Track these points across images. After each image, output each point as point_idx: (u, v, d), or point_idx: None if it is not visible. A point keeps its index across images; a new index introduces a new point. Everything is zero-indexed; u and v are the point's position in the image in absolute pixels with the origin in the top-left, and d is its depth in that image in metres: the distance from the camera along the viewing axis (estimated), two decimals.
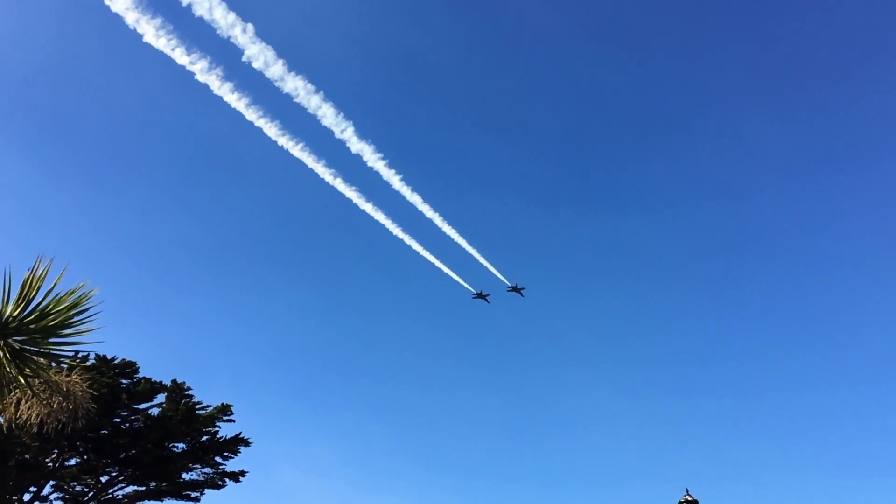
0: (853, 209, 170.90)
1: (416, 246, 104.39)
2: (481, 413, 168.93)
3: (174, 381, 47.33)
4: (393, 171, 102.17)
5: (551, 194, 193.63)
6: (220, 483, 49.14)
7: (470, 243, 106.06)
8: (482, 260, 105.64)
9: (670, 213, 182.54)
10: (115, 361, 45.74)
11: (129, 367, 46.30)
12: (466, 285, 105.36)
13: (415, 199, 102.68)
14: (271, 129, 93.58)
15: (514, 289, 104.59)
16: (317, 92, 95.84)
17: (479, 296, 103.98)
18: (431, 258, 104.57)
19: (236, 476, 49.55)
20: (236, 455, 49.36)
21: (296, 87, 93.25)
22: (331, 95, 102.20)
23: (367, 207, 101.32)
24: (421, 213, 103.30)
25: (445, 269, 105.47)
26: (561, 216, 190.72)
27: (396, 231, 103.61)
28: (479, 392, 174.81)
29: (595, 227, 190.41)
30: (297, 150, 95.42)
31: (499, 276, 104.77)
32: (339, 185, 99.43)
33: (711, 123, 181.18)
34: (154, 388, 46.42)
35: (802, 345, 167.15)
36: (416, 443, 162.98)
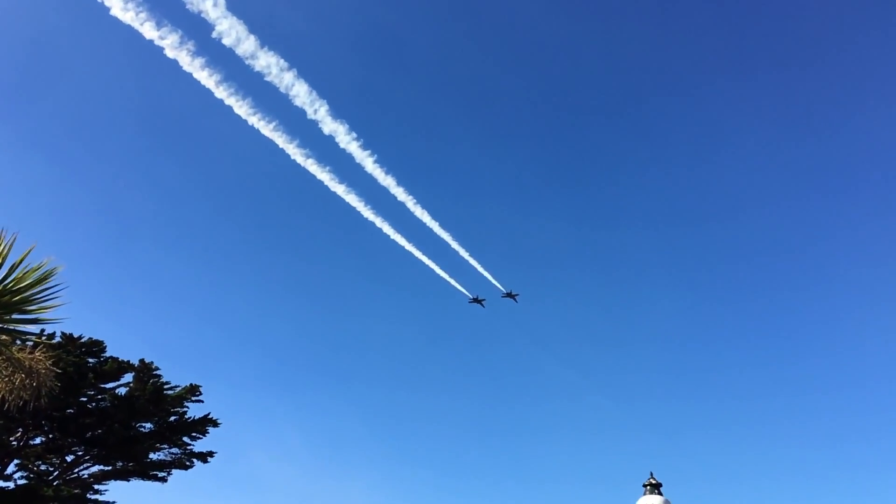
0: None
1: (387, 228, 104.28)
2: (455, 408, 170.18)
3: (142, 361, 46.90)
4: (367, 153, 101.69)
5: (526, 183, 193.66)
6: (187, 463, 48.95)
7: (442, 227, 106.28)
8: (456, 245, 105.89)
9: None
10: (82, 340, 45.17)
11: (95, 346, 45.75)
12: (435, 266, 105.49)
13: (388, 181, 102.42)
14: (242, 108, 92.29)
15: (509, 295, 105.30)
16: (290, 69, 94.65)
17: (476, 300, 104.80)
18: (402, 241, 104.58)
19: (204, 457, 49.38)
20: (204, 436, 49.16)
21: (268, 64, 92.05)
22: (304, 74, 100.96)
23: (340, 189, 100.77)
24: (394, 197, 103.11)
25: (417, 253, 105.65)
26: (533, 205, 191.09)
27: (368, 214, 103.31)
28: (453, 387, 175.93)
29: (584, 230, 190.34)
30: (268, 130, 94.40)
31: (469, 259, 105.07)
32: (312, 166, 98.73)
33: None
34: (121, 367, 45.93)
35: (793, 349, 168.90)
36: (389, 434, 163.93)
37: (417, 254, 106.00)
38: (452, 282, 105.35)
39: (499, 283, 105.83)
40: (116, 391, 46.16)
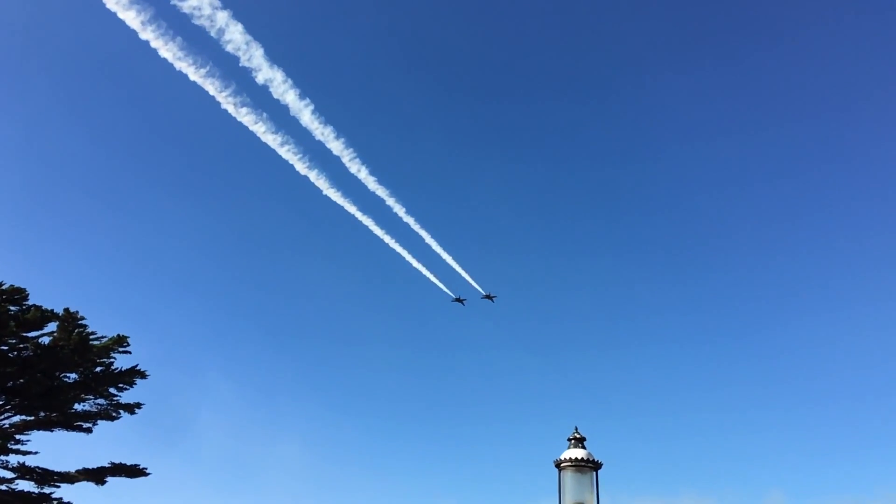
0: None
1: (321, 183, 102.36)
2: (390, 361, 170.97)
3: (66, 310, 45.64)
4: (304, 103, 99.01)
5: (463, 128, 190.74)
6: (114, 415, 48.03)
7: (380, 183, 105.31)
8: (390, 201, 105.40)
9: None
10: (3, 287, 43.76)
11: (17, 294, 44.45)
12: (373, 224, 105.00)
13: (326, 134, 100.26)
14: (169, 51, 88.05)
15: (487, 296, 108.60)
16: (223, 9, 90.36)
17: (458, 300, 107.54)
18: (338, 198, 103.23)
19: (131, 408, 48.53)
20: (132, 387, 48.16)
21: (199, 3, 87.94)
22: (239, 15, 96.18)
23: (271, 140, 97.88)
24: (329, 151, 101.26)
25: (352, 209, 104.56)
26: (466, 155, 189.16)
27: (302, 168, 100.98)
28: (389, 342, 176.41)
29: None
30: (198, 76, 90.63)
31: (399, 212, 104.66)
32: (245, 116, 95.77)
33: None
34: (45, 316, 44.70)
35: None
36: (322, 385, 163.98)
37: (353, 210, 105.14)
38: (379, 231, 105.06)
39: (399, 203, 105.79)
40: (40, 340, 45.00)
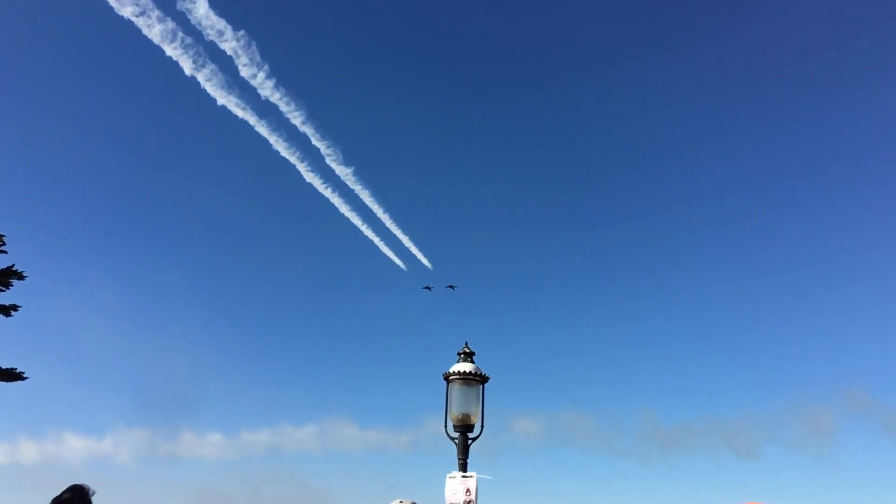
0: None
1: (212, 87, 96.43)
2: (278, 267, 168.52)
3: None
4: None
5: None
6: None
7: (317, 134, 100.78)
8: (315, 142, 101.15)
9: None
10: None
11: None
12: (294, 159, 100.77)
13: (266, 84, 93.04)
14: None
15: (450, 286, 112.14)
16: None
17: (426, 287, 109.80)
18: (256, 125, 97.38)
19: (7, 310, 46.58)
20: (8, 288, 46.27)
21: None
22: None
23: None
24: (269, 100, 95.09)
25: (263, 128, 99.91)
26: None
27: (237, 110, 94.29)
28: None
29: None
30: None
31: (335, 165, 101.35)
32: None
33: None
34: None
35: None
36: (213, 291, 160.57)
37: (269, 134, 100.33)
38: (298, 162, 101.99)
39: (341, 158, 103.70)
40: None
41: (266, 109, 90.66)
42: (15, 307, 46.99)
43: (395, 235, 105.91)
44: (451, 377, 12.71)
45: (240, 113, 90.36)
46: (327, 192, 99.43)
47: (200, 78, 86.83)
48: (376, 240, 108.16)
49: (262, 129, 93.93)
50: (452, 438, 12.10)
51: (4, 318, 46.67)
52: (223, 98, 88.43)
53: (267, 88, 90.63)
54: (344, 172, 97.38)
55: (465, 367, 13.12)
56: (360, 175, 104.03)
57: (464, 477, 11.78)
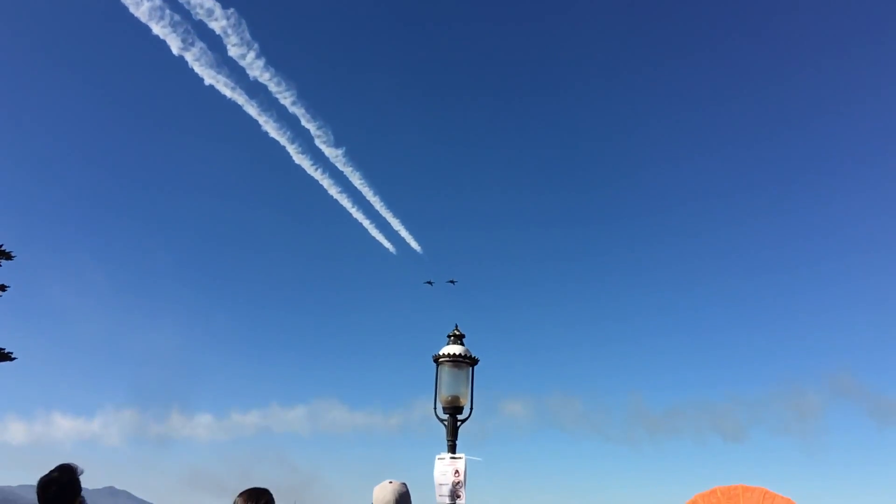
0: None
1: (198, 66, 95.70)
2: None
3: None
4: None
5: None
6: None
7: (300, 105, 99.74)
8: (305, 122, 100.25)
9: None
10: None
11: None
12: (284, 140, 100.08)
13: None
14: None
15: (450, 281, 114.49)
16: None
17: (428, 283, 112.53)
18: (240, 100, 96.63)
19: None
20: None
21: None
22: None
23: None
24: (258, 80, 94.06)
25: (252, 108, 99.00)
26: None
27: (228, 92, 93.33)
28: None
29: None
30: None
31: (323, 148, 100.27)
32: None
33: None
34: None
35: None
36: (200, 274, 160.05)
37: (253, 109, 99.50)
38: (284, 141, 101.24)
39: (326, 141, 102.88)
40: None
41: (256, 90, 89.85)
42: (3, 287, 46.85)
43: (384, 219, 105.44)
44: (440, 359, 12.74)
45: (228, 93, 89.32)
46: (317, 174, 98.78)
47: (189, 57, 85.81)
48: (366, 223, 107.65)
49: (251, 110, 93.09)
50: (441, 420, 12.16)
51: None
52: (211, 78, 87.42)
53: (257, 68, 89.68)
54: (334, 154, 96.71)
55: (455, 349, 13.16)
56: (351, 156, 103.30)
57: (453, 458, 11.85)
